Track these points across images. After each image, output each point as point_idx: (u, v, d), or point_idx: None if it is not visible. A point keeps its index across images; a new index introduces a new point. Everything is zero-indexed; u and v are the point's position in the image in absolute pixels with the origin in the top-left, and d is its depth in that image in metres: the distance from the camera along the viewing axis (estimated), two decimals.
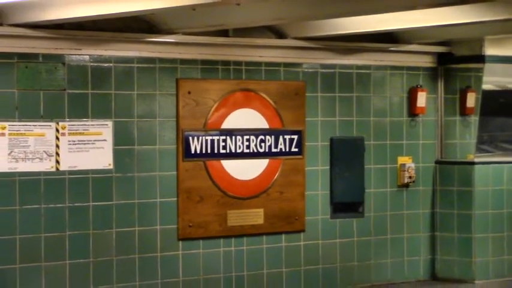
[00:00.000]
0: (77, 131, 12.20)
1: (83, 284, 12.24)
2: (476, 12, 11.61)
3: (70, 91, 12.13)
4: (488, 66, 14.62)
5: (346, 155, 14.25)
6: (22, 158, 11.80)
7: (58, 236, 12.05)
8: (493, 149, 15.08)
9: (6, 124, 11.63)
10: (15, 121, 11.75)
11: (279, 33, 13.43)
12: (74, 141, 12.16)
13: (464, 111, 14.89)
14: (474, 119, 14.80)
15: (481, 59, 14.61)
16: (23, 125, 11.81)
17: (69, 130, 12.13)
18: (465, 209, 14.91)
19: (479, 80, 14.71)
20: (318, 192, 14.05)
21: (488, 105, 14.79)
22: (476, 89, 14.75)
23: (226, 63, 13.24)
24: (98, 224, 12.34)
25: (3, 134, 11.62)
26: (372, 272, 14.54)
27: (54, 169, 12.05)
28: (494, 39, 14.41)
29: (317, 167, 14.03)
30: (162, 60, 12.80)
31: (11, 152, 11.70)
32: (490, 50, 14.53)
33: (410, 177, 14.74)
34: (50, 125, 12.00)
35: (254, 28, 12.96)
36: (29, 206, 11.86)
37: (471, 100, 14.75)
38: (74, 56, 12.18)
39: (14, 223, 11.74)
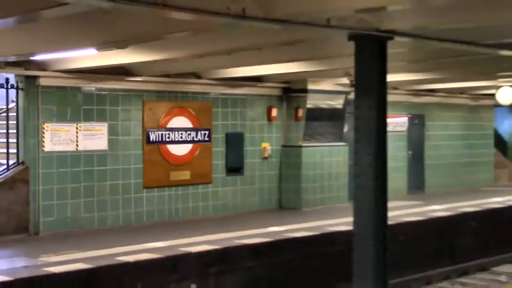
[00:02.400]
0: (87, 128, 12.20)
1: (91, 212, 12.24)
2: (301, 66, 11.78)
3: (84, 107, 12.15)
4: (309, 95, 14.81)
5: (234, 142, 14.31)
6: (57, 143, 11.78)
7: (77, 186, 12.06)
8: (311, 139, 15.16)
9: (49, 124, 11.63)
10: (53, 123, 11.74)
11: (198, 76, 13.45)
12: (86, 134, 12.14)
13: (296, 119, 15.02)
14: (302, 123, 14.97)
15: (305, 91, 14.79)
16: (58, 125, 11.83)
17: (83, 128, 12.11)
18: (296, 170, 15.04)
19: (304, 102, 14.85)
20: (219, 162, 14.11)
21: (309, 115, 15.00)
22: (303, 107, 14.88)
23: (170, 92, 13.28)
24: (99, 179, 12.36)
25: (47, 130, 11.62)
26: (249, 205, 14.60)
27: (75, 149, 12.01)
28: (312, 80, 14.60)
29: (218, 148, 14.09)
30: (135, 90, 12.83)
31: (51, 140, 11.68)
32: (310, 86, 14.75)
33: (268, 154, 14.86)
34: (73, 125, 12.00)
35: (185, 73, 12.98)
36: (61, 169, 11.85)
37: (300, 113, 14.91)
38: (87, 87, 12.17)
39: (53, 179, 11.74)
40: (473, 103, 20.15)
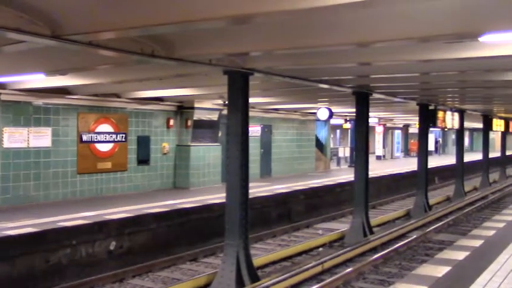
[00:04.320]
0: (36, 131, 11.57)
1: (38, 191, 11.61)
2: (190, 91, 11.73)
3: (34, 116, 11.53)
4: (195, 111, 14.77)
5: (144, 142, 14.01)
6: (13, 142, 11.15)
7: (28, 172, 11.43)
8: (196, 140, 15.09)
9: (7, 128, 11.02)
10: (11, 127, 11.11)
11: (118, 96, 13.05)
12: (35, 135, 11.55)
13: (186, 127, 14.92)
14: (190, 130, 14.90)
15: (193, 108, 14.73)
16: (14, 129, 11.19)
17: (33, 131, 11.48)
18: (186, 162, 14.88)
19: (192, 115, 14.82)
20: (132, 156, 13.76)
21: (195, 124, 14.91)
22: (191, 118, 14.84)
23: (97, 106, 12.78)
24: (44, 167, 11.76)
25: (6, 132, 11.00)
26: (153, 186, 14.27)
27: (27, 146, 11.38)
28: (197, 100, 14.56)
29: (132, 146, 13.74)
30: (72, 105, 12.23)
31: (9, 139, 11.07)
32: (196, 104, 14.72)
33: (167, 150, 14.66)
34: (25, 129, 11.37)
35: (108, 93, 12.56)
36: (16, 161, 11.23)
37: (189, 123, 14.86)
38: (36, 102, 11.46)
39: (10, 167, 11.06)
40: (302, 118, 20.82)
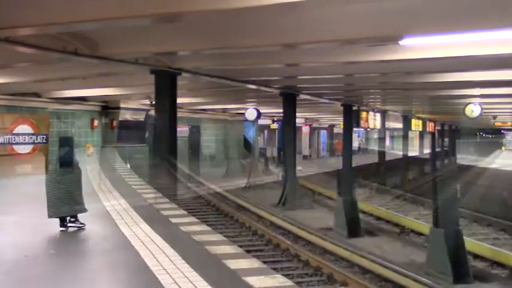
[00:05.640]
0: None
1: None
2: (115, 91, 11.50)
3: None
4: (121, 111, 14.44)
5: (66, 143, 13.17)
6: None
7: None
8: (122, 141, 14.62)
9: None
10: None
11: (38, 95, 12.50)
12: None
13: (112, 127, 14.53)
14: (116, 130, 14.53)
15: (118, 108, 14.39)
16: None
17: None
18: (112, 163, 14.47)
19: (117, 115, 14.48)
20: (54, 158, 13.13)
21: (121, 125, 14.62)
22: (117, 119, 14.47)
23: (16, 106, 12.24)
24: None
25: None
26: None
27: None
28: (123, 101, 14.24)
29: (53, 148, 13.04)
30: None
31: None
32: (122, 104, 14.41)
33: (91, 152, 14.10)
34: None
35: (28, 92, 11.98)
36: None
37: (115, 123, 14.48)
38: None
39: None
40: (230, 118, 20.85)
